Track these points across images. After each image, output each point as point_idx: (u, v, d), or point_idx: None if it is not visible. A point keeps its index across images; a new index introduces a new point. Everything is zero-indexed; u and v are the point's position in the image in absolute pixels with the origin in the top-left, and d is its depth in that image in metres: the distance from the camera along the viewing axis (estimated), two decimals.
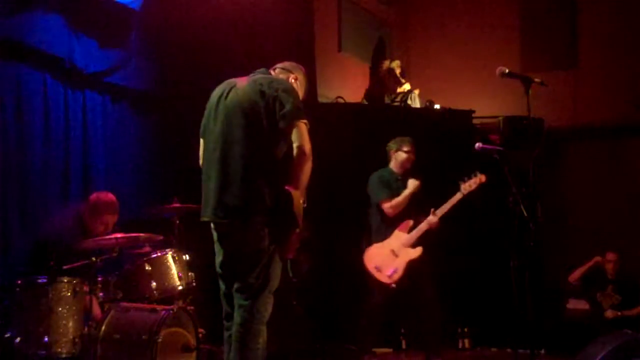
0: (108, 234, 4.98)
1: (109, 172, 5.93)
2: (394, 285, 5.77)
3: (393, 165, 6.13)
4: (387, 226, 5.96)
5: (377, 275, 5.85)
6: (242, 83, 3.88)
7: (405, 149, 6.07)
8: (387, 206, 5.94)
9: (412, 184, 5.94)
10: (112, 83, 5.92)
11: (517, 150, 5.63)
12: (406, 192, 5.90)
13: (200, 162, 3.99)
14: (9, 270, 4.91)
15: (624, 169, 8.30)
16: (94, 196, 5.16)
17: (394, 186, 6.01)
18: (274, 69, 4.08)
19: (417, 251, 5.83)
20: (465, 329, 6.76)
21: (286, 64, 4.12)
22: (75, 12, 5.50)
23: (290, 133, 3.70)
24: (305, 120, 3.72)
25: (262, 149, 3.74)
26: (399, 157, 6.09)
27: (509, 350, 5.84)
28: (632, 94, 8.34)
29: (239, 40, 6.64)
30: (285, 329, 3.90)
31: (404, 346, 6.90)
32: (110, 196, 5.18)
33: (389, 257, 5.84)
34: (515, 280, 5.21)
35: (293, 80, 4.03)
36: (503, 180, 5.43)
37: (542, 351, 6.57)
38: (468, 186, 5.85)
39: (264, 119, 3.73)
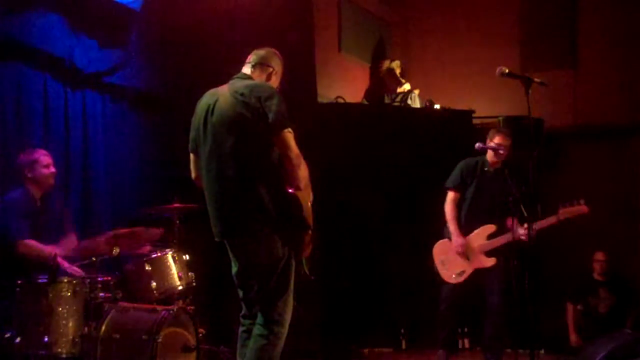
0: (53, 174, 4.94)
1: (109, 172, 5.92)
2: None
3: (488, 154, 5.65)
4: (467, 222, 5.65)
5: (441, 269, 5.64)
6: (224, 95, 3.79)
7: (495, 140, 5.55)
8: (449, 195, 5.67)
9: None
10: (112, 83, 5.92)
11: (517, 150, 5.64)
12: (454, 231, 5.57)
13: (193, 175, 3.96)
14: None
15: (624, 168, 8.28)
16: (20, 156, 4.97)
17: (476, 175, 5.62)
18: (253, 65, 3.98)
19: (491, 261, 5.51)
20: (465, 329, 6.75)
21: (262, 55, 4.03)
22: (75, 12, 5.50)
23: (277, 142, 3.68)
24: (289, 129, 3.67)
25: (256, 160, 3.70)
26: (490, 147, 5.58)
27: (508, 350, 5.83)
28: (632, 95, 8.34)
29: (239, 40, 6.62)
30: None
31: (404, 346, 6.90)
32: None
33: (460, 257, 5.58)
34: (515, 281, 5.23)
35: (273, 76, 3.98)
36: (503, 181, 5.46)
37: (542, 351, 6.56)
38: (567, 212, 5.43)
39: (252, 129, 3.68)
